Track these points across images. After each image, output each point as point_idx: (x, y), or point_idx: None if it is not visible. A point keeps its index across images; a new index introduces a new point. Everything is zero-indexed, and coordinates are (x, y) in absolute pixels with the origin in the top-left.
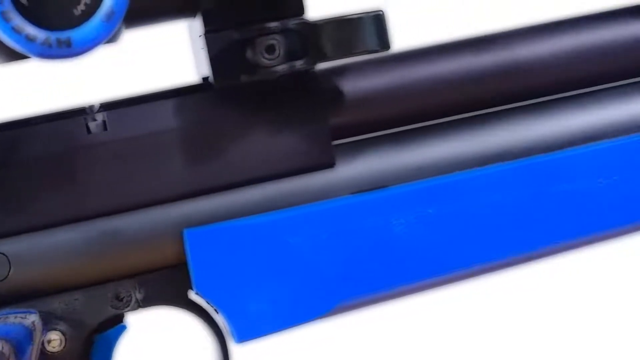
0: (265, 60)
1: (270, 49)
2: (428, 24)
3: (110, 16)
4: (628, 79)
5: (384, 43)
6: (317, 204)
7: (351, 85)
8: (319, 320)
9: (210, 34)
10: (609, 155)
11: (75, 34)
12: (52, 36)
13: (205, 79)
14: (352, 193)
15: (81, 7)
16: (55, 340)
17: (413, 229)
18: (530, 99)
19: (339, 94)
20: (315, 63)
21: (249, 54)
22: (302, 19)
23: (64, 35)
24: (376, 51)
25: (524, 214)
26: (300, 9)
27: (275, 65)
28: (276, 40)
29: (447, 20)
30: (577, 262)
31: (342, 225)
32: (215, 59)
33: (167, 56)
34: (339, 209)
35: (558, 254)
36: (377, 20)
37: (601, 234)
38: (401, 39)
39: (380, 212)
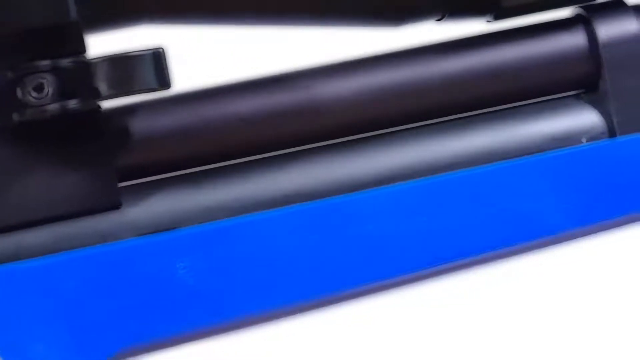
0: (33, 99)
1: (39, 88)
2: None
3: None
4: (434, 118)
5: (163, 81)
6: (98, 246)
7: (141, 126)
8: None
9: None
10: (405, 197)
11: None
12: None
13: None
14: (138, 235)
15: None
16: None
17: (196, 272)
18: (330, 139)
19: (126, 134)
20: (89, 102)
21: (19, 93)
22: (79, 57)
23: None
24: (155, 89)
25: (317, 257)
26: (80, 48)
27: (44, 105)
28: (45, 79)
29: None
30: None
31: (124, 269)
32: None
33: None
34: (120, 252)
35: (360, 297)
36: (156, 58)
37: (389, 281)
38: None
39: (163, 255)
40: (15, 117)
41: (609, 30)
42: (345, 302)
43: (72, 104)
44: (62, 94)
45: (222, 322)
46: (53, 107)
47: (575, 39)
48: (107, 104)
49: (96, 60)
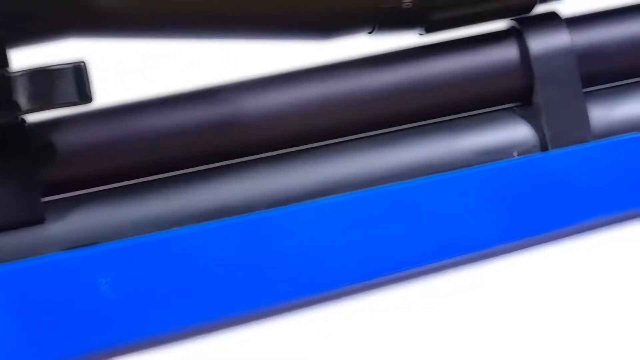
0: None
1: None
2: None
3: None
4: (365, 132)
5: (84, 95)
6: (19, 261)
7: (66, 140)
8: None
9: None
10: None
11: None
12: None
13: None
14: (62, 250)
15: None
16: None
17: (119, 287)
18: (256, 153)
19: (51, 148)
20: (8, 116)
21: None
22: None
23: None
24: (76, 103)
25: (237, 272)
26: (1, 62)
27: None
28: None
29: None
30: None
31: (45, 284)
32: None
33: None
34: (41, 267)
35: (287, 312)
36: (77, 72)
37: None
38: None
39: (85, 270)
40: None
41: (541, 43)
42: (274, 315)
43: None
44: None
45: (144, 337)
46: None
47: (508, 52)
48: (33, 117)
49: (16, 74)
